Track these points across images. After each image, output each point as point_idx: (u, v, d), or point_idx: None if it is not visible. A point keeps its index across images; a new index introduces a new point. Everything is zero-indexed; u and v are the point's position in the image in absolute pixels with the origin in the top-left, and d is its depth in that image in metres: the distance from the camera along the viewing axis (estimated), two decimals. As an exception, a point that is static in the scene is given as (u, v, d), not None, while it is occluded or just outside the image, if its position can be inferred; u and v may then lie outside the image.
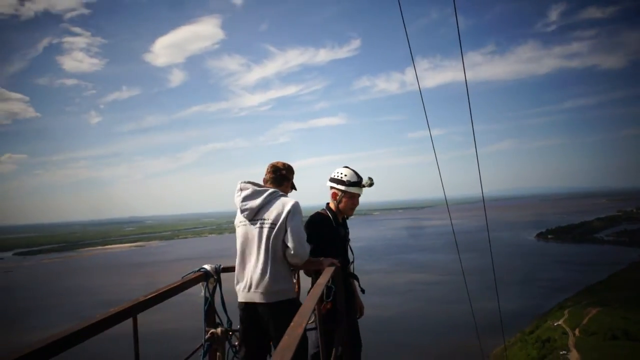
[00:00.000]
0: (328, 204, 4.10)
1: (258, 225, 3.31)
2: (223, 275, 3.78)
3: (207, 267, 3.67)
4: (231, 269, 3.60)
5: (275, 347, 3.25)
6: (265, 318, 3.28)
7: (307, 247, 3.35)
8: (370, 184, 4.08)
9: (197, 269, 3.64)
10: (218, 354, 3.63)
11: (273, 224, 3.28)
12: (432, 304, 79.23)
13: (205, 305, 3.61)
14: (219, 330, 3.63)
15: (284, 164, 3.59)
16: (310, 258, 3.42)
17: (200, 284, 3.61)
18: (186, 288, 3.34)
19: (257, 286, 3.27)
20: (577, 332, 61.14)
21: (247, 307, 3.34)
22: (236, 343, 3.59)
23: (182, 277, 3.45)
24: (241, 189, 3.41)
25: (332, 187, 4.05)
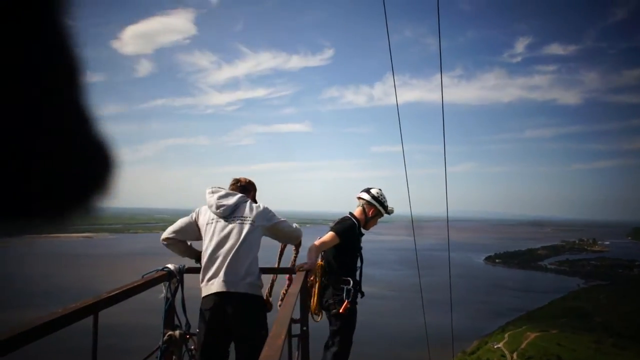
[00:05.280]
0: (352, 213, 4.46)
1: (237, 222, 3.40)
2: (185, 277, 3.68)
3: (170, 266, 3.57)
4: (195, 270, 3.52)
5: (237, 350, 3.19)
6: (232, 313, 3.17)
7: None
8: (391, 212, 4.54)
9: (160, 267, 3.53)
10: (174, 357, 3.51)
11: (253, 222, 3.42)
12: (380, 317, 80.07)
13: (165, 305, 3.49)
14: (177, 332, 3.50)
15: (245, 179, 3.83)
16: (313, 248, 3.96)
17: (162, 283, 3.50)
18: (149, 287, 3.25)
19: (231, 275, 3.21)
20: (514, 355, 63.36)
21: (215, 299, 3.20)
22: (193, 347, 3.50)
23: (143, 277, 3.34)
24: (213, 192, 3.54)
25: (371, 204, 4.47)
